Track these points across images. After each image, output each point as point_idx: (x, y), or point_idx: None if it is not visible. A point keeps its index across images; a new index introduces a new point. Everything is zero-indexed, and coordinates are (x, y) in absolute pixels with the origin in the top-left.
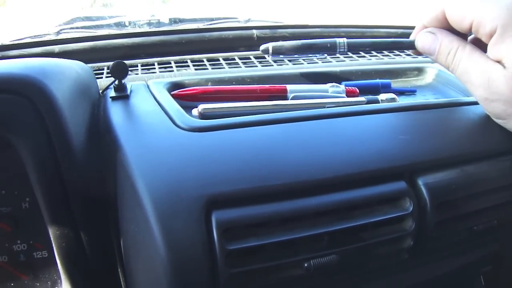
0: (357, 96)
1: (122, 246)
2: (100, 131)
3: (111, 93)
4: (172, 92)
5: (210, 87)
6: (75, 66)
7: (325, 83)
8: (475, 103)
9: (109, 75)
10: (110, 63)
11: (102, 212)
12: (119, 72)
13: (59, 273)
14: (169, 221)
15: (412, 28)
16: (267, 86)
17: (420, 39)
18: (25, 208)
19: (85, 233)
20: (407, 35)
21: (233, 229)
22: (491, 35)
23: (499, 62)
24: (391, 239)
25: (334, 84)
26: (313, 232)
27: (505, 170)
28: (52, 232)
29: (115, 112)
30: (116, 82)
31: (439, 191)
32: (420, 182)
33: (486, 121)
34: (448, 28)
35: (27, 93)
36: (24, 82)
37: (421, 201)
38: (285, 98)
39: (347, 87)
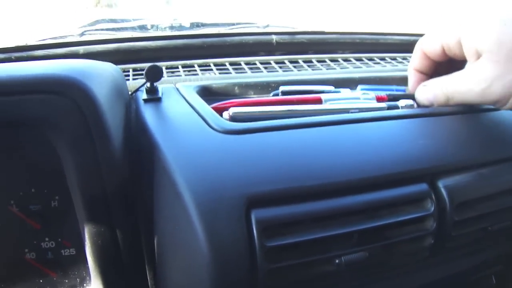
0: (386, 101)
1: (156, 244)
2: (132, 132)
3: (143, 95)
4: (212, 106)
5: (248, 99)
6: (110, 68)
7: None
8: (489, 110)
9: (136, 77)
10: (135, 65)
11: (135, 211)
12: (153, 75)
13: (88, 270)
14: (211, 219)
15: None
16: (303, 96)
17: (418, 96)
18: (54, 206)
19: (120, 231)
20: None
21: (272, 227)
22: (460, 45)
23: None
24: (414, 238)
25: (365, 92)
26: (344, 230)
27: None
28: (88, 230)
29: (149, 114)
30: (148, 85)
31: (458, 192)
32: (441, 184)
33: (501, 126)
34: (434, 62)
35: (71, 94)
36: (69, 83)
37: (441, 202)
38: None
39: (376, 95)
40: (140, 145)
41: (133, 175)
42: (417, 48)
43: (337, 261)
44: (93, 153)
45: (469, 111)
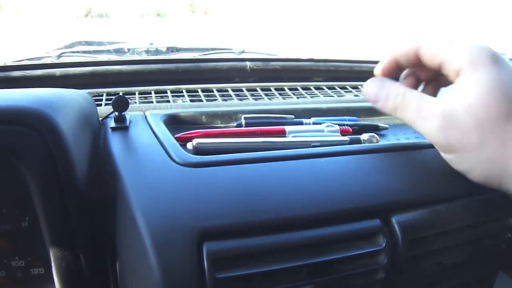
0: (350, 134)
1: (118, 269)
2: (99, 159)
3: (111, 123)
4: (176, 136)
5: (213, 130)
6: (78, 97)
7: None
8: None
9: (109, 102)
10: (109, 90)
11: (101, 236)
12: (120, 106)
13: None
14: (164, 250)
15: None
16: (267, 128)
17: (368, 85)
18: (24, 227)
19: (84, 255)
20: None
21: (222, 259)
22: (456, 73)
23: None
24: (365, 272)
25: (329, 124)
26: (294, 264)
27: (473, 210)
28: (52, 253)
29: (115, 143)
30: (116, 113)
31: (411, 229)
32: (394, 220)
33: None
34: (414, 65)
35: (36, 126)
36: (34, 115)
37: (394, 238)
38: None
39: (341, 127)
40: (105, 172)
41: (99, 201)
42: (411, 46)
43: None
44: (57, 182)
45: (428, 147)
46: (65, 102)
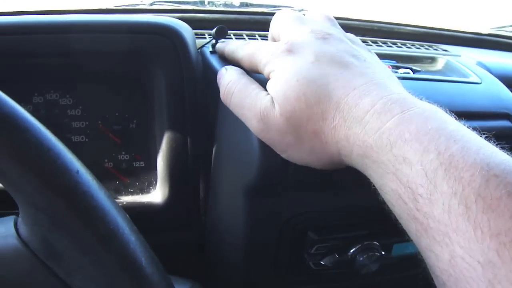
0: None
1: (215, 149)
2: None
3: (209, 49)
4: None
5: None
6: (189, 28)
7: None
8: (469, 82)
9: (199, 38)
10: (195, 31)
11: (204, 125)
12: (220, 34)
13: (156, 177)
14: None
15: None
16: None
17: (218, 73)
18: (132, 128)
19: (191, 141)
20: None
21: None
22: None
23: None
24: None
25: None
26: None
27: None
28: (165, 141)
29: (215, 61)
30: (213, 41)
31: None
32: None
33: (475, 93)
34: None
35: (170, 36)
36: (169, 28)
37: None
38: None
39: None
40: (207, 82)
41: (204, 97)
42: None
43: None
44: (180, 79)
45: (454, 81)
46: (185, 26)
